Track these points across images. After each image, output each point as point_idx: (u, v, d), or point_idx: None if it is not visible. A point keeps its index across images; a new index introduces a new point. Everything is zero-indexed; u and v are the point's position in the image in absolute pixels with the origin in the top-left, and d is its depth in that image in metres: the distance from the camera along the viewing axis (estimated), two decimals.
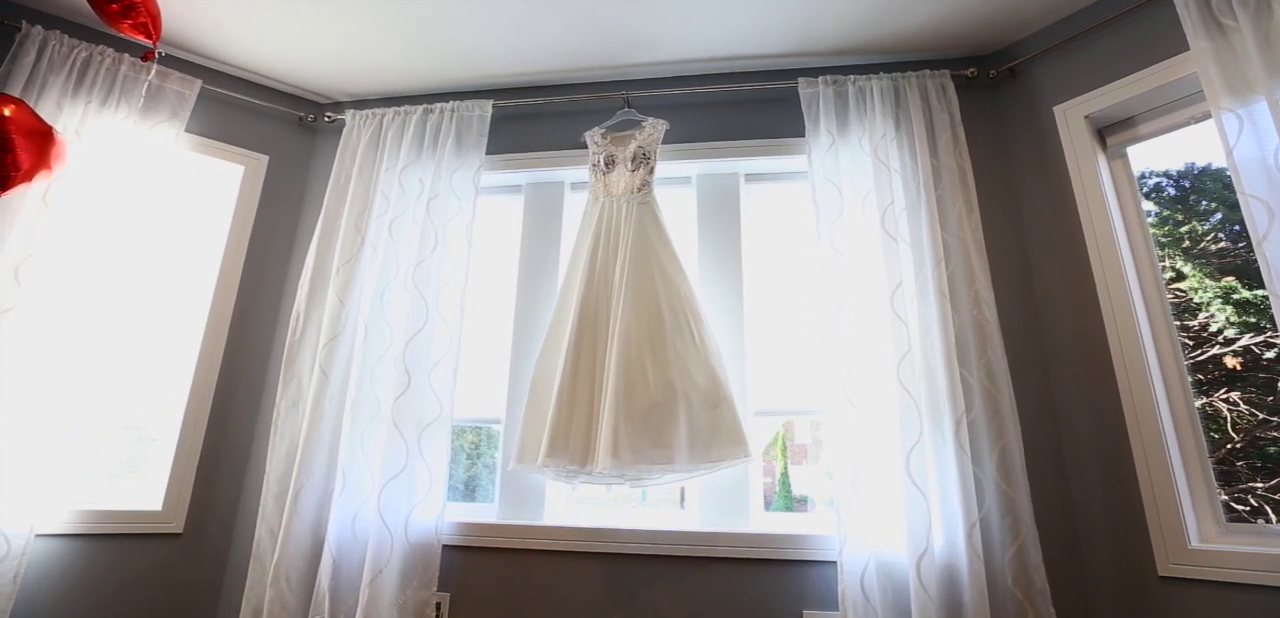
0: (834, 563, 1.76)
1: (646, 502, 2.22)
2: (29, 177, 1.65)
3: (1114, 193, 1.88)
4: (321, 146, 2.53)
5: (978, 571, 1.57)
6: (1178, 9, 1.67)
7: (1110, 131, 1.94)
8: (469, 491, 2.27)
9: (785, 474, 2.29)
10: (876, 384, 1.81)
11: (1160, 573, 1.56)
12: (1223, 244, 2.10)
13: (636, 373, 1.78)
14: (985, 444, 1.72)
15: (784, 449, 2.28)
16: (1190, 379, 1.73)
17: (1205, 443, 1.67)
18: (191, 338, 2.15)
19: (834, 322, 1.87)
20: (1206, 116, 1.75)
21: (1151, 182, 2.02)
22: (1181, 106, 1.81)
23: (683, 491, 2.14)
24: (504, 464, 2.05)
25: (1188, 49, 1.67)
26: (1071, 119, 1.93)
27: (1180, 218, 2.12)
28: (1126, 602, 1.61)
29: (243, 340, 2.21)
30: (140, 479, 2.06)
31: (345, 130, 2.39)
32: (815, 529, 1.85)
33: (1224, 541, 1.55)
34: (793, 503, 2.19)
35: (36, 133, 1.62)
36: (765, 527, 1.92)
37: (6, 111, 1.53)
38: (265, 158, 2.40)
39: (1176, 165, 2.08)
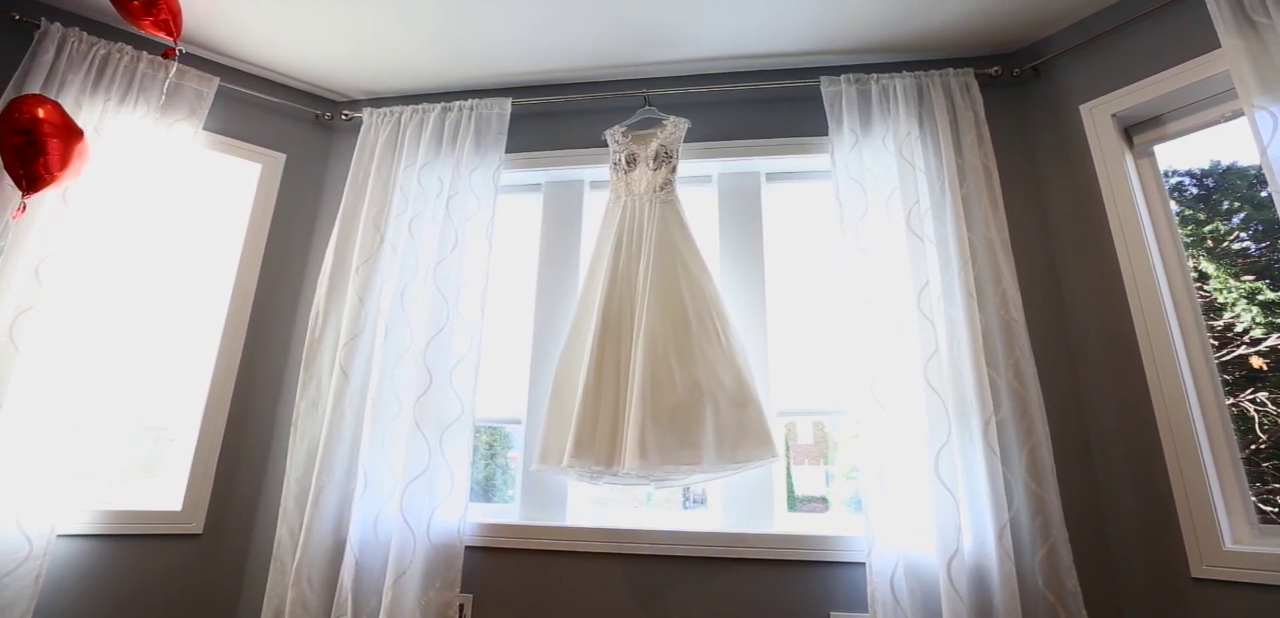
0: (861, 564, 1.75)
1: (651, 502, 2.20)
2: (57, 178, 1.64)
3: (1141, 192, 1.87)
4: (338, 145, 2.52)
5: (1008, 572, 1.56)
6: (1208, 7, 1.66)
7: (1137, 130, 1.93)
8: (486, 491, 2.26)
9: (788, 475, 2.27)
10: (904, 384, 1.79)
11: (1193, 575, 1.55)
12: (1244, 244, 2.09)
13: (662, 373, 1.76)
14: (1014, 445, 1.71)
15: (787, 450, 2.26)
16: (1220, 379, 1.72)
17: (1236, 443, 1.66)
18: (210, 337, 2.14)
19: (860, 321, 1.86)
20: (1237, 115, 1.74)
21: (1173, 180, 2.00)
22: (1212, 105, 1.80)
23: (686, 491, 2.13)
24: (526, 465, 2.04)
25: (1218, 47, 1.66)
26: (1098, 118, 1.92)
27: (1202, 217, 2.10)
28: (1159, 604, 1.59)
29: (261, 339, 2.20)
30: (159, 479, 2.05)
31: (363, 128, 2.38)
32: (842, 530, 1.84)
33: (1259, 542, 1.54)
34: (796, 504, 2.17)
35: (69, 134, 1.60)
36: (792, 528, 1.90)
37: (40, 113, 1.52)
38: (282, 156, 2.39)
39: (1200, 164, 2.07)
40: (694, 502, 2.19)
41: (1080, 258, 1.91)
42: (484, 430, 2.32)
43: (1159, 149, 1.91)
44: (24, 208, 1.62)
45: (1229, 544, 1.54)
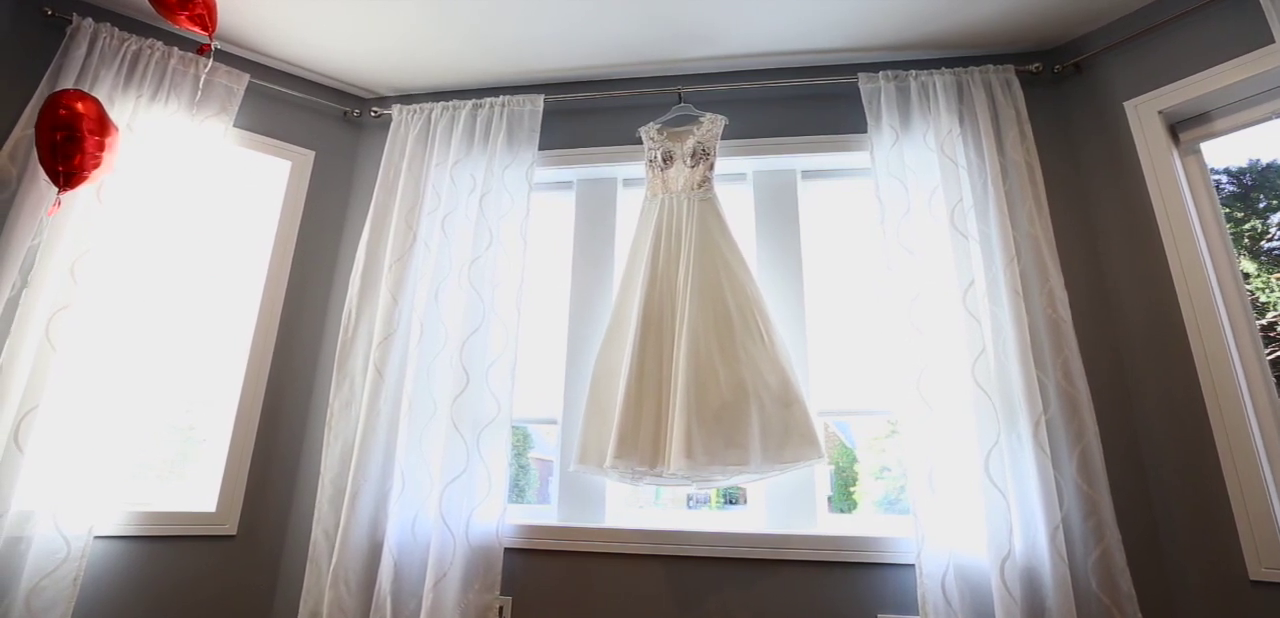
0: (909, 566, 1.73)
1: (659, 501, 2.18)
2: (90, 174, 1.62)
3: (1188, 189, 1.85)
4: (366, 143, 2.49)
5: (1062, 574, 1.54)
6: (1262, 2, 1.64)
7: (1183, 127, 1.91)
8: (517, 491, 2.23)
9: None
10: (951, 384, 1.77)
11: (1252, 577, 1.53)
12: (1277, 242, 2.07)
13: (707, 373, 1.74)
14: (1063, 445, 1.68)
15: None
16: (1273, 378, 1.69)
17: None
18: (242, 336, 2.11)
19: (905, 321, 1.84)
20: None
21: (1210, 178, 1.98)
22: (1261, 101, 1.78)
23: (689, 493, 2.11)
24: (564, 465, 2.01)
25: (1272, 42, 1.64)
26: (1144, 115, 1.90)
27: (1240, 215, 2.08)
28: (1216, 607, 1.57)
29: (292, 339, 2.18)
30: (193, 480, 2.03)
31: (392, 125, 2.35)
32: (889, 532, 1.81)
33: None
34: None
35: (104, 129, 1.58)
36: (836, 529, 1.88)
37: (79, 107, 1.50)
38: (311, 153, 2.37)
39: (1237, 162, 2.05)
40: (697, 502, 2.17)
41: (1127, 256, 1.88)
42: (512, 430, 2.29)
43: (1205, 146, 1.89)
44: (59, 203, 1.60)
45: None
